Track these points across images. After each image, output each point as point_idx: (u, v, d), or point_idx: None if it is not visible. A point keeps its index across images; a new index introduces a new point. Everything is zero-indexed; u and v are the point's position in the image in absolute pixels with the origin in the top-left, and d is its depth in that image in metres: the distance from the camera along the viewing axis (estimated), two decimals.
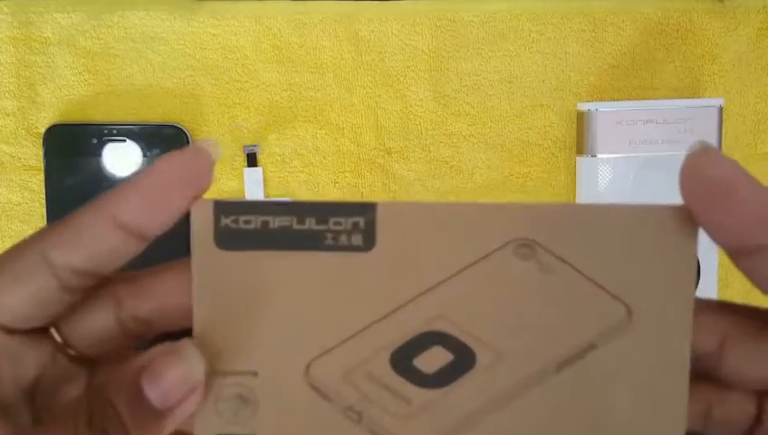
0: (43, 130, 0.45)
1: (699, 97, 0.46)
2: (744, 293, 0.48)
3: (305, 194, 0.47)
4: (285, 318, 0.20)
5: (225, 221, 0.19)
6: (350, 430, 0.19)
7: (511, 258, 0.21)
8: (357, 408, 0.20)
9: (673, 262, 0.20)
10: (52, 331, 0.21)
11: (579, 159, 0.45)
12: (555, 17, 0.46)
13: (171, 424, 0.19)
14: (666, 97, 0.46)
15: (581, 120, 0.45)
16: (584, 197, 0.45)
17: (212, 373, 0.19)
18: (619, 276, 0.21)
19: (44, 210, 0.45)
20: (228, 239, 0.19)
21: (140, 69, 0.46)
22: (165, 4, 0.46)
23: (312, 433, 0.20)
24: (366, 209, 0.19)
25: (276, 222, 0.19)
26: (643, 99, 0.44)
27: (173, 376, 0.18)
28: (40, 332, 0.21)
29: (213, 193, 0.46)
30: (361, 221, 0.19)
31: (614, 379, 0.20)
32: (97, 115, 0.46)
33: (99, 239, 0.20)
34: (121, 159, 0.45)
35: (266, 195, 0.47)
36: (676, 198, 0.47)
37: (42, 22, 0.45)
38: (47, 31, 0.45)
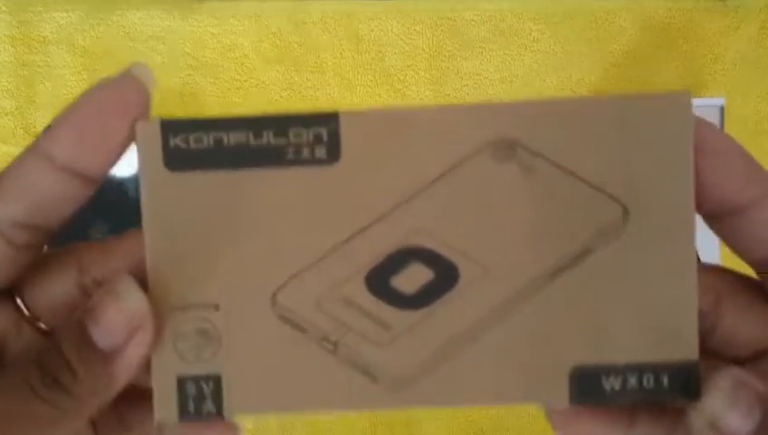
0: (41, 130, 0.45)
1: (700, 97, 0.46)
2: None
3: None
4: (247, 244, 0.18)
5: (175, 141, 0.17)
6: (325, 362, 0.18)
7: (490, 162, 0.19)
8: (332, 337, 0.18)
9: (669, 153, 0.19)
10: (18, 301, 0.20)
11: None
12: (556, 16, 0.46)
13: (124, 369, 0.17)
14: None
15: None
16: None
17: (168, 309, 0.17)
18: (611, 173, 0.19)
19: None
20: (179, 161, 0.17)
21: None
22: (164, 3, 0.45)
23: (283, 369, 0.18)
24: (328, 119, 0.17)
25: (231, 139, 0.17)
26: None
27: (113, 314, 0.17)
28: (2, 299, 0.20)
29: None
30: (324, 132, 0.17)
31: (613, 284, 0.19)
32: None
33: (37, 185, 0.18)
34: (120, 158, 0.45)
35: None
36: None
37: (40, 21, 0.45)
38: (46, 30, 0.45)
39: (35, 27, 0.45)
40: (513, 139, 0.19)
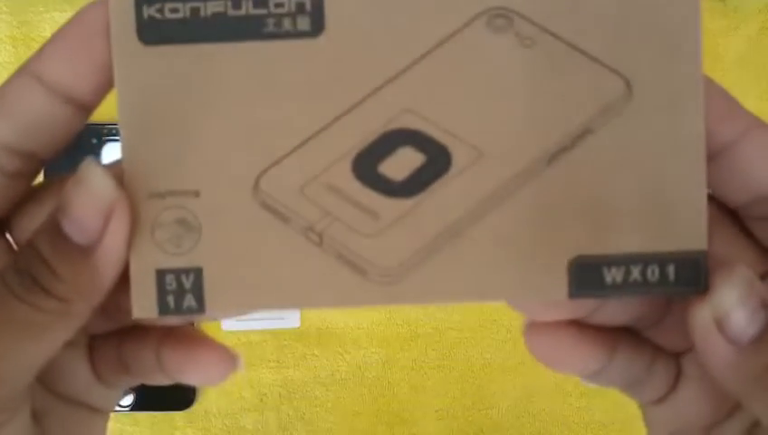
0: None
1: None
2: None
3: None
4: (227, 124, 0.16)
5: (149, 11, 0.16)
6: (310, 254, 0.16)
7: (484, 33, 0.17)
8: (317, 227, 0.17)
9: (675, 20, 0.17)
10: (8, 236, 0.19)
11: None
12: None
13: (106, 264, 0.16)
14: None
15: None
16: None
17: (145, 196, 0.16)
18: (612, 44, 0.17)
19: None
20: (153, 32, 0.16)
21: None
22: None
23: (267, 262, 0.17)
24: None
25: (208, 8, 0.16)
26: None
27: (81, 203, 0.16)
28: None
29: None
30: (307, 1, 0.16)
31: (616, 167, 0.17)
32: (96, 115, 0.45)
33: (27, 106, 0.17)
34: None
35: None
36: None
37: (40, 21, 0.45)
38: (46, 30, 0.45)
39: (36, 27, 0.45)
40: (509, 7, 0.17)
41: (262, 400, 0.47)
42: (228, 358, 0.20)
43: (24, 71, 0.17)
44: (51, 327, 0.17)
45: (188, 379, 0.20)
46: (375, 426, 0.48)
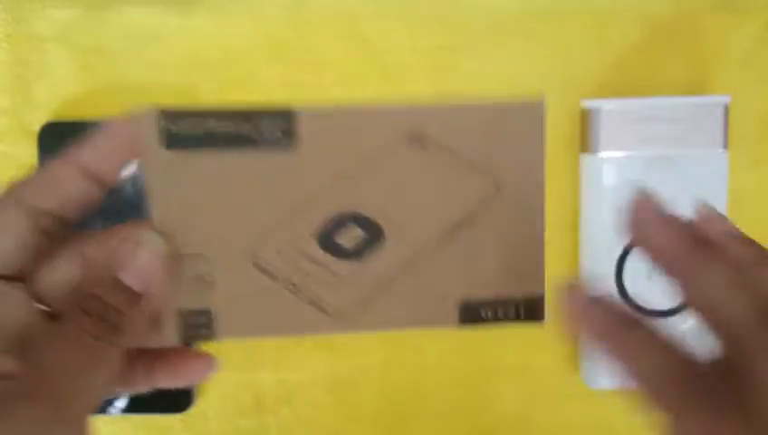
0: (37, 129, 0.44)
1: (705, 95, 0.46)
2: None
3: None
4: (228, 207, 0.23)
5: (171, 126, 0.21)
6: (290, 301, 0.24)
7: (404, 147, 0.25)
8: (294, 281, 0.24)
9: (528, 146, 0.26)
10: (26, 285, 0.23)
11: (583, 156, 0.45)
12: (560, 14, 0.46)
13: (152, 301, 0.22)
14: (671, 94, 0.45)
15: (586, 118, 0.44)
16: (588, 195, 0.44)
17: (172, 258, 0.22)
18: (491, 160, 0.26)
19: None
20: (175, 141, 0.21)
21: (137, 66, 0.45)
22: (162, 0, 0.45)
23: (258, 305, 0.23)
24: (288, 115, 0.23)
25: (215, 126, 0.22)
26: (648, 96, 0.44)
27: (141, 258, 0.22)
28: (14, 282, 0.23)
29: None
30: (285, 123, 0.22)
31: (488, 240, 0.26)
32: (93, 113, 0.45)
33: (68, 185, 0.23)
34: None
35: None
36: (681, 196, 0.47)
37: (36, 18, 0.45)
38: (42, 27, 0.45)
39: (32, 25, 0.45)
40: (421, 132, 0.25)
41: (260, 403, 0.47)
42: (210, 361, 0.26)
43: (68, 159, 0.24)
44: (117, 356, 0.22)
45: (176, 383, 0.26)
46: (375, 429, 0.48)
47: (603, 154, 0.43)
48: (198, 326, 0.22)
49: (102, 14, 0.45)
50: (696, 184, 0.43)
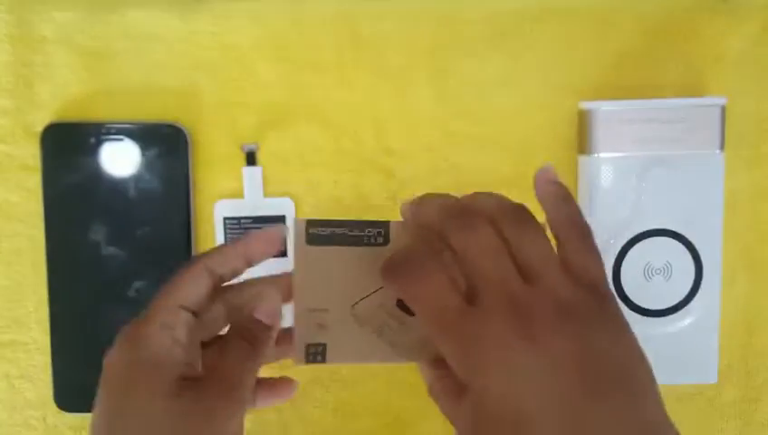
0: (40, 130, 0.45)
1: (702, 96, 0.46)
2: (748, 292, 0.47)
3: (305, 193, 0.47)
4: (342, 280, 0.32)
5: (312, 230, 0.32)
6: (375, 340, 0.33)
7: None
8: (379, 327, 0.33)
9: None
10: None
11: (581, 158, 0.45)
12: (557, 15, 0.46)
13: (275, 331, 0.33)
14: (668, 96, 0.46)
15: (583, 119, 0.44)
16: (586, 196, 0.44)
17: (306, 309, 0.32)
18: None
19: (41, 210, 0.45)
20: (313, 240, 0.32)
21: (139, 67, 0.46)
22: (163, 2, 0.45)
23: (355, 342, 0.33)
24: (385, 225, 0.32)
25: (339, 231, 0.32)
26: (646, 98, 0.44)
27: (267, 303, 0.33)
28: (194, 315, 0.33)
29: (212, 190, 0.46)
30: (382, 230, 0.32)
31: None
32: (95, 114, 0.46)
33: (235, 262, 0.34)
34: (119, 158, 0.45)
35: (265, 194, 0.46)
36: (677, 196, 0.46)
37: (39, 20, 0.45)
38: (45, 29, 0.45)
39: (35, 27, 0.45)
40: None
41: None
42: (294, 384, 0.37)
43: (237, 246, 0.34)
44: (258, 366, 0.33)
45: (272, 402, 0.37)
46: (376, 427, 0.48)
47: (601, 155, 0.44)
48: (316, 354, 0.32)
49: (104, 15, 0.45)
50: (693, 185, 0.44)
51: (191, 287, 0.32)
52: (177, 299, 0.32)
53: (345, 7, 0.46)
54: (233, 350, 0.32)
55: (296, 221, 0.32)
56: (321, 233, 0.32)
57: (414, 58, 0.46)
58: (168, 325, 0.31)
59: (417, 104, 0.46)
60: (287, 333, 0.33)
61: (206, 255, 0.33)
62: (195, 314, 0.32)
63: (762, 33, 0.46)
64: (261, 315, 0.33)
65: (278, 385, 0.37)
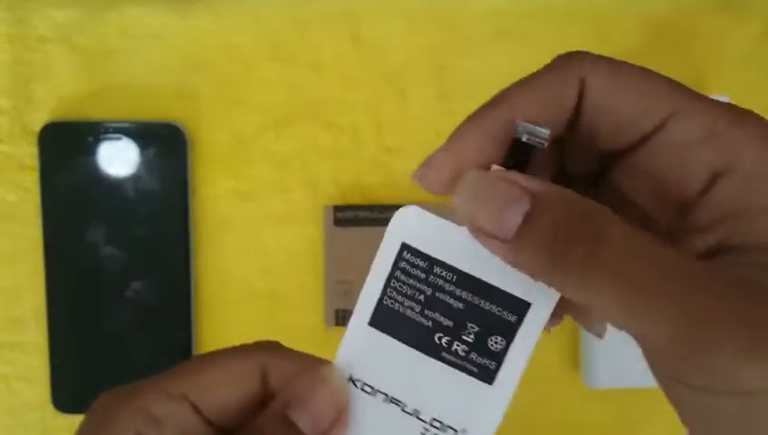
0: (38, 129, 0.45)
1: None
2: None
3: (304, 193, 0.46)
4: (367, 255, 0.25)
5: (339, 214, 0.34)
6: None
7: None
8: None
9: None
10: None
11: None
12: (558, 15, 0.46)
13: None
14: None
15: None
16: None
17: (335, 281, 0.33)
18: None
19: (39, 209, 0.45)
20: (341, 222, 0.33)
21: (137, 66, 0.45)
22: (162, 0, 0.45)
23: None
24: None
25: (363, 214, 0.33)
26: None
27: (320, 399, 0.19)
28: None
29: (211, 190, 0.46)
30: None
31: None
32: (93, 113, 0.45)
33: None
34: (117, 157, 0.45)
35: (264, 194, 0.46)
36: None
37: (37, 19, 0.45)
38: (43, 28, 0.45)
39: (33, 25, 0.45)
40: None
41: None
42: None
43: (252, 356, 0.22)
44: None
45: None
46: None
47: None
48: (345, 318, 0.32)
49: (103, 14, 0.45)
50: None
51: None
52: None
53: (345, 7, 0.46)
54: None
55: (326, 207, 0.37)
56: (347, 216, 0.37)
57: (415, 56, 0.46)
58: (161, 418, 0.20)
59: (418, 103, 0.46)
60: None
61: (263, 345, 0.23)
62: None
63: (764, 32, 0.46)
64: (302, 418, 0.19)
65: None
